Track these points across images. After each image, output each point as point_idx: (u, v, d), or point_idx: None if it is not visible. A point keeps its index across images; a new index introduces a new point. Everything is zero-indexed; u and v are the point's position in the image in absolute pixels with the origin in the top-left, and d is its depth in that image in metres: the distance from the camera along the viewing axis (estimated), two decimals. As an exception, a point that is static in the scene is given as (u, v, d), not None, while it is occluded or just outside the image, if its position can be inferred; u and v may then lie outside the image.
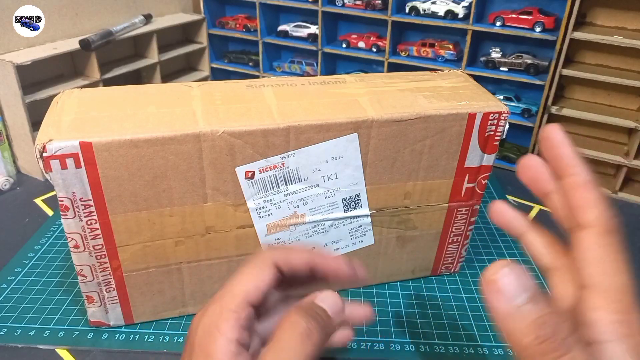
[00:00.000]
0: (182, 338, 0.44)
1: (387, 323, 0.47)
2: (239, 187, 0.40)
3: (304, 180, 0.42)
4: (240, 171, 0.39)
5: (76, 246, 0.39)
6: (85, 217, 0.37)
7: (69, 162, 0.35)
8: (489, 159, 0.45)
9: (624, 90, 0.72)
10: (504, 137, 0.44)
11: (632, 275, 0.21)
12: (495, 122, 0.43)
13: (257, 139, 0.38)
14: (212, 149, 0.37)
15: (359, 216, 0.45)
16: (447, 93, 0.44)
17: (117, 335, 0.44)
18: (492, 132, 0.43)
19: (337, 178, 0.42)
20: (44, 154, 0.34)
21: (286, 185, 0.41)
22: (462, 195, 0.47)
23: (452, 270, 0.53)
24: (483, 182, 0.46)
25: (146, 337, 0.44)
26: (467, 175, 0.45)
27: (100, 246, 0.39)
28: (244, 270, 0.30)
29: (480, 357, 0.44)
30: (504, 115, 0.42)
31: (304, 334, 0.26)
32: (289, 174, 0.41)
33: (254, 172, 0.40)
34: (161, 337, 0.44)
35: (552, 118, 0.75)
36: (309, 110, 0.40)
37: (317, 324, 0.27)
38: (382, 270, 0.50)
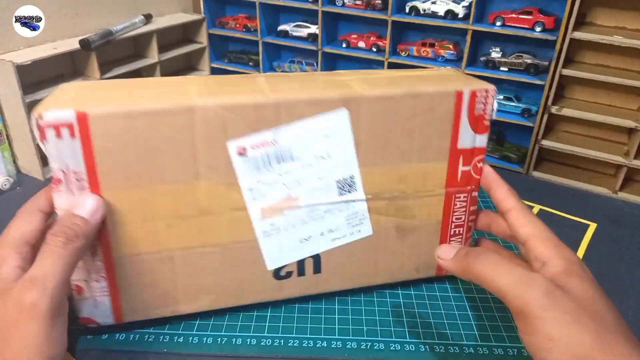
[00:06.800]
0: (182, 338, 0.44)
1: (387, 323, 0.47)
2: (230, 164, 0.40)
3: (296, 159, 0.42)
4: (232, 146, 0.40)
5: None
6: (77, 192, 0.38)
7: (64, 131, 0.35)
8: (481, 140, 0.45)
9: (624, 90, 0.72)
10: (494, 117, 0.44)
11: (546, 226, 0.38)
12: (483, 100, 0.43)
13: (248, 112, 0.39)
14: (204, 121, 0.38)
15: (354, 201, 0.45)
16: (435, 78, 0.46)
17: (117, 335, 0.44)
18: (482, 111, 0.44)
19: (329, 157, 0.42)
20: (40, 122, 0.35)
21: (278, 164, 0.41)
22: (459, 179, 0.46)
23: None
24: (479, 165, 0.46)
25: (146, 337, 0.44)
26: (461, 157, 0.46)
27: None
28: (17, 217, 0.38)
29: (480, 357, 0.44)
30: (492, 93, 0.43)
31: (62, 251, 0.35)
32: (281, 151, 0.41)
33: (245, 148, 0.40)
34: (161, 337, 0.44)
35: (552, 118, 0.75)
36: (299, 89, 0.41)
37: (64, 240, 0.35)
38: (383, 268, 0.49)
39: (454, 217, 0.48)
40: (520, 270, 0.34)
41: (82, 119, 0.35)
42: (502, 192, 0.42)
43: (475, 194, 0.47)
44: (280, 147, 0.41)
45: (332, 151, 0.42)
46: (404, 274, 0.50)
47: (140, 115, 0.37)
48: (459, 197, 0.47)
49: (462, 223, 0.49)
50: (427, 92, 0.42)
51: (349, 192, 0.44)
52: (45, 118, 0.35)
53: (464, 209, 0.48)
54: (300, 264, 0.46)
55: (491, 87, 0.44)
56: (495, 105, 0.44)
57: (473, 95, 0.43)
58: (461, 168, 0.46)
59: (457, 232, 0.49)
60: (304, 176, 0.42)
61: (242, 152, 0.40)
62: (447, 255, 0.40)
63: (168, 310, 0.44)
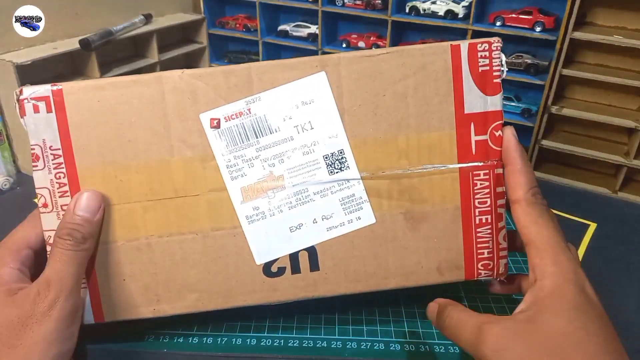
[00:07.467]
0: (181, 338, 0.44)
1: (387, 323, 0.47)
2: (205, 139, 0.39)
3: (276, 131, 0.39)
4: (205, 118, 0.39)
5: (45, 205, 0.38)
6: (54, 168, 0.38)
7: (41, 105, 0.38)
8: (494, 102, 0.39)
9: (624, 90, 0.72)
10: (504, 74, 0.39)
11: (558, 227, 0.33)
12: (487, 54, 0.39)
13: (217, 79, 0.39)
14: (174, 91, 0.38)
15: (347, 180, 0.40)
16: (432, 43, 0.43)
17: (117, 335, 0.44)
18: (488, 67, 0.39)
19: (312, 128, 0.40)
20: (19, 97, 0.38)
21: (256, 137, 0.40)
22: (474, 152, 0.39)
23: (494, 272, 0.41)
24: (496, 133, 0.39)
25: (146, 337, 0.44)
26: (472, 124, 0.39)
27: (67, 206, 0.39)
28: (25, 221, 0.39)
29: (480, 357, 0.44)
30: (495, 45, 0.39)
31: (67, 257, 0.35)
32: (258, 122, 0.39)
33: (219, 119, 0.39)
34: (161, 337, 0.44)
35: (552, 118, 0.76)
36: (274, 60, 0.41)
37: (73, 243, 0.36)
38: (395, 266, 0.41)
39: (476, 202, 0.40)
40: (474, 324, 0.31)
41: (57, 93, 0.39)
42: (512, 175, 0.36)
43: (499, 170, 0.39)
44: (256, 117, 0.39)
45: (314, 120, 0.39)
46: (423, 275, 0.41)
47: (109, 86, 0.38)
48: (479, 175, 0.40)
49: (489, 209, 0.40)
50: (416, 48, 0.38)
51: (341, 169, 0.40)
52: (24, 93, 0.38)
53: (487, 191, 0.40)
54: (294, 258, 0.41)
55: (493, 39, 0.38)
56: (504, 60, 0.39)
57: (473, 48, 0.38)
58: (474, 138, 0.39)
59: (483, 220, 0.40)
60: (285, 151, 0.40)
61: (215, 125, 0.39)
62: (432, 312, 0.37)
63: (150, 309, 0.41)
